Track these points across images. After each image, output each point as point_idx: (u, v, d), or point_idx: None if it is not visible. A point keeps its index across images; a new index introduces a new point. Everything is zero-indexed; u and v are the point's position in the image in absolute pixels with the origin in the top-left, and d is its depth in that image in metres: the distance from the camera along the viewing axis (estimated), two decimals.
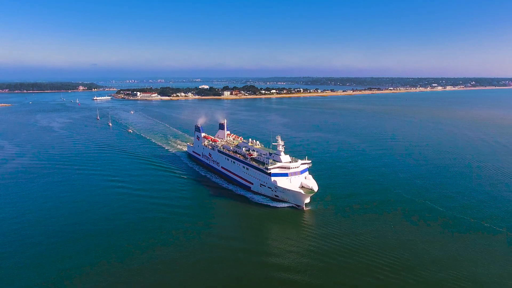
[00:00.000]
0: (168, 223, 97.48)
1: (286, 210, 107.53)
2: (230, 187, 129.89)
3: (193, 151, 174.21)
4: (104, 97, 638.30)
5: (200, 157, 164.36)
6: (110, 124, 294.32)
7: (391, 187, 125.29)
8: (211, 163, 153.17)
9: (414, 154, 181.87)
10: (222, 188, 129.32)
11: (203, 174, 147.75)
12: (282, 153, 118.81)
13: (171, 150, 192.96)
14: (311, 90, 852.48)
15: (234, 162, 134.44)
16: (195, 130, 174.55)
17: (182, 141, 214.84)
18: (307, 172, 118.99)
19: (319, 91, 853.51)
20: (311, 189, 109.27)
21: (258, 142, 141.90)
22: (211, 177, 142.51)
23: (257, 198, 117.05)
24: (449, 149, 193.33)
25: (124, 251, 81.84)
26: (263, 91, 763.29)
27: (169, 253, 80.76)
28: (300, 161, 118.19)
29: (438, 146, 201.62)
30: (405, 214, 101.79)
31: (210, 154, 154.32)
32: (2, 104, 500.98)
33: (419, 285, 69.01)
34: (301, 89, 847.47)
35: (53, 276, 72.73)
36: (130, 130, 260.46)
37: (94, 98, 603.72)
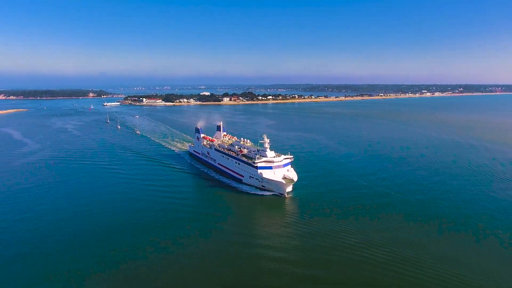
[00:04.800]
0: (170, 206, 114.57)
1: (271, 197, 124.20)
2: (225, 179, 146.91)
3: (193, 150, 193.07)
4: (113, 103, 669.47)
5: (199, 155, 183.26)
6: (119, 127, 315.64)
7: (357, 178, 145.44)
8: (209, 160, 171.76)
9: (376, 149, 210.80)
10: (218, 181, 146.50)
11: (202, 169, 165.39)
12: (268, 150, 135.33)
13: (174, 149, 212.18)
14: (306, 96, 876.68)
15: (228, 159, 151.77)
16: (195, 132, 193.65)
17: (184, 141, 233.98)
18: (290, 166, 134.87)
19: (313, 97, 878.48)
20: (292, 179, 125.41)
21: (248, 140, 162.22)
22: (209, 172, 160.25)
23: (246, 188, 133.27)
24: (402, 144, 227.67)
25: (130, 230, 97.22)
26: (260, 97, 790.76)
27: (168, 231, 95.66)
28: (283, 156, 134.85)
29: (394, 142, 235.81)
30: (364, 197, 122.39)
31: (208, 153, 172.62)
32: (20, 109, 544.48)
33: (389, 253, 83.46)
34: (296, 95, 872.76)
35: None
36: (137, 132, 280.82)
37: (105, 104, 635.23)
